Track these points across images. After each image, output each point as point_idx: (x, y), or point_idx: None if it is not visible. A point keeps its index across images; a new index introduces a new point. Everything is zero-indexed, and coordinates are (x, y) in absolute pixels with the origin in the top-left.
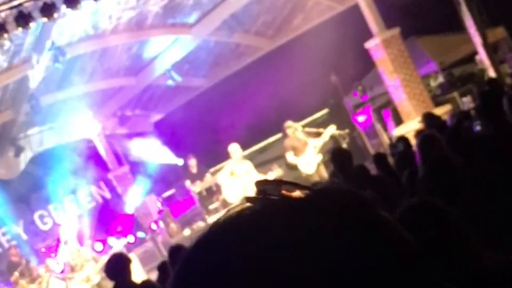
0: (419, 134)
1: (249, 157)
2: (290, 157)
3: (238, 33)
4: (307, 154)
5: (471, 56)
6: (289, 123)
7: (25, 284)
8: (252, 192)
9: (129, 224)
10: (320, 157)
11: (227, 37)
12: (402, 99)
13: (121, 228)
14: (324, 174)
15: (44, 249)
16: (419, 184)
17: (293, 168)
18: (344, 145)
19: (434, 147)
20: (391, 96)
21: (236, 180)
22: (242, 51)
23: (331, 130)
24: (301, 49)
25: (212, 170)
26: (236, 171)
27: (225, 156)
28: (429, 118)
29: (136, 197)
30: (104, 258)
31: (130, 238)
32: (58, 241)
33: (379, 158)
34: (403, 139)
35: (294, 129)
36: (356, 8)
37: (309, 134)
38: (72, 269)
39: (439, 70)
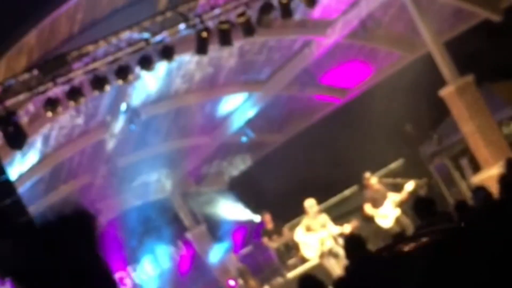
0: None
1: (326, 211)
2: (368, 208)
3: (310, 86)
4: (385, 207)
5: None
6: (368, 174)
7: None
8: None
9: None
10: (398, 211)
11: (299, 92)
12: (479, 146)
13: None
14: (406, 225)
15: None
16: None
17: (369, 220)
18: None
19: None
20: (467, 143)
21: (313, 236)
22: (315, 105)
23: (411, 186)
24: (374, 100)
25: (288, 225)
26: (312, 226)
27: (301, 211)
28: None
29: (215, 255)
30: None
31: None
32: None
33: (461, 206)
34: (482, 188)
35: (374, 180)
36: (428, 56)
37: (387, 185)
38: None
39: None
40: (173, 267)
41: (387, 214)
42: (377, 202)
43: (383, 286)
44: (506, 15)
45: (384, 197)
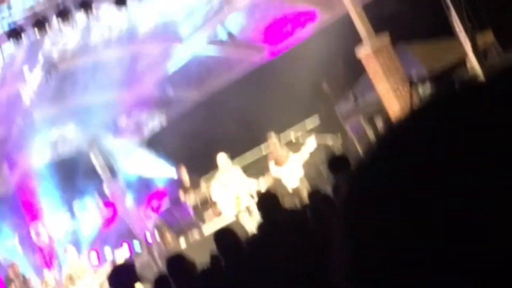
0: None
1: (242, 164)
2: (272, 168)
3: (229, 46)
4: (288, 166)
5: (463, 62)
6: (271, 133)
7: None
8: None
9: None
10: (302, 171)
11: (218, 51)
12: (393, 105)
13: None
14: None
15: (41, 262)
16: None
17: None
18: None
19: None
20: (382, 103)
21: (229, 192)
22: (233, 63)
23: (312, 146)
24: (292, 59)
25: (204, 178)
26: (226, 180)
27: (215, 165)
28: None
29: (131, 209)
30: (104, 269)
31: (125, 246)
32: (54, 253)
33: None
34: None
35: (277, 141)
36: (347, 17)
37: (297, 144)
38: (71, 280)
39: (429, 76)
40: (90, 221)
41: (291, 173)
42: (281, 163)
43: (297, 244)
44: None
45: (287, 158)
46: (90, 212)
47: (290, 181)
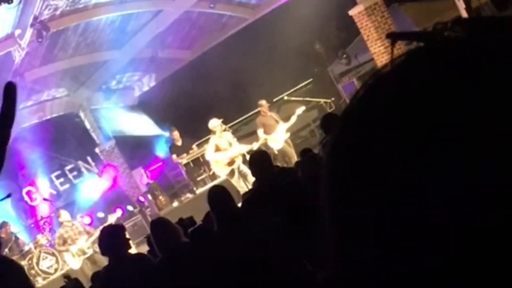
0: None
1: (235, 129)
2: (260, 133)
3: (220, 3)
4: (277, 132)
5: None
6: (262, 102)
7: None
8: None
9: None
10: (287, 135)
11: (209, 8)
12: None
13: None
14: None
15: (33, 225)
16: None
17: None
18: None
19: None
20: (376, 64)
21: (223, 154)
22: (225, 22)
23: (300, 111)
24: (285, 18)
25: (197, 143)
26: (220, 145)
27: (208, 130)
28: None
29: (124, 171)
30: (96, 232)
31: (119, 212)
32: (47, 217)
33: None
34: None
35: (266, 108)
36: None
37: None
38: (65, 242)
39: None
40: (82, 182)
41: (278, 138)
42: (269, 128)
43: (291, 199)
44: None
45: (276, 123)
46: (83, 177)
47: (276, 145)
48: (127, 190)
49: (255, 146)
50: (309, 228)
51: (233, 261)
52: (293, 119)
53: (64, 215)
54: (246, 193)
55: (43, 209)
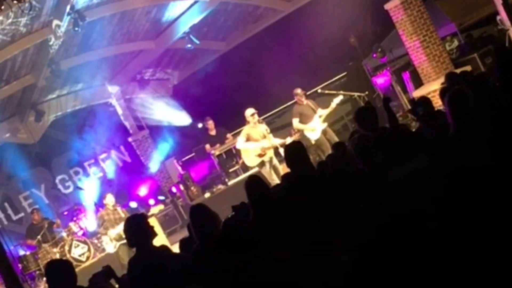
0: (446, 91)
1: (268, 121)
2: (296, 123)
3: None
4: (314, 121)
5: (492, 17)
6: (297, 90)
7: (48, 248)
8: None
9: (150, 187)
10: (325, 125)
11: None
12: (421, 61)
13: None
14: (333, 138)
15: (67, 213)
16: (452, 139)
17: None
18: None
19: (464, 102)
20: (410, 58)
21: (255, 144)
22: (260, 14)
23: (338, 100)
24: (320, 11)
25: (232, 133)
26: (253, 135)
27: (243, 120)
28: (453, 77)
29: (156, 161)
30: None
31: (151, 202)
32: (80, 205)
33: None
34: (425, 100)
35: (302, 96)
36: None
37: (329, 95)
38: (103, 223)
39: (458, 31)
40: (115, 171)
41: (315, 127)
42: (306, 117)
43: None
44: None
45: (313, 112)
46: (116, 164)
47: (313, 135)
48: (160, 180)
49: (288, 140)
50: (331, 223)
51: (267, 248)
52: (333, 105)
53: (109, 198)
54: (277, 185)
55: (76, 197)
